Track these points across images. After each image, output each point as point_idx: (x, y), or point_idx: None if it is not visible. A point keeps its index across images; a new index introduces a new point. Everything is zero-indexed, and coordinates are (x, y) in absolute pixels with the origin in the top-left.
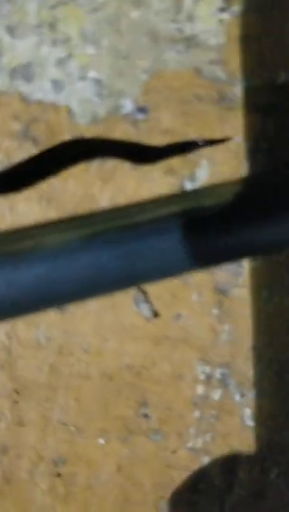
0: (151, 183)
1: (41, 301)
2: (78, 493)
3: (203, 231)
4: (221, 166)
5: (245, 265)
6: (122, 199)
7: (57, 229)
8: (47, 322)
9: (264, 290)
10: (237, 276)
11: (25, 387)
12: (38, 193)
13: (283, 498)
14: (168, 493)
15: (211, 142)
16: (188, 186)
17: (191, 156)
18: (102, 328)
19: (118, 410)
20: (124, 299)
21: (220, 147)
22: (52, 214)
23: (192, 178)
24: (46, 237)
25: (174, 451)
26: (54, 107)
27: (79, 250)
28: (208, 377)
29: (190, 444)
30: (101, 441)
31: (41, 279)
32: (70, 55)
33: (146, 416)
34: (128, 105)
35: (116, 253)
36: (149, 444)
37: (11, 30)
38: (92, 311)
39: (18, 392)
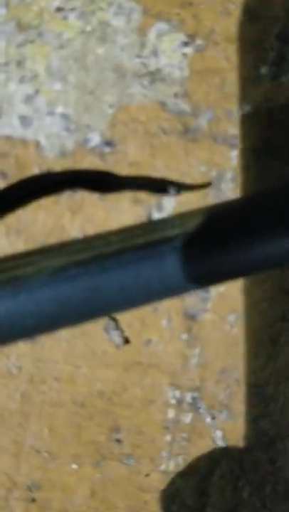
0: (119, 213)
1: (6, 336)
2: None
3: (170, 261)
4: (187, 196)
5: (213, 291)
6: (91, 229)
7: (22, 263)
8: (17, 352)
9: (231, 314)
10: (205, 302)
11: None
12: (6, 225)
13: None
14: None
15: (188, 187)
16: (156, 216)
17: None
18: (73, 355)
19: (91, 436)
20: (95, 327)
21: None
22: (21, 246)
23: (159, 207)
24: (11, 272)
25: (147, 475)
26: (23, 141)
27: (38, 286)
28: (179, 401)
29: (162, 467)
30: (74, 466)
31: (5, 314)
32: (37, 91)
33: (118, 441)
34: (95, 139)
35: (79, 287)
36: (122, 468)
37: None
38: (63, 339)
39: None
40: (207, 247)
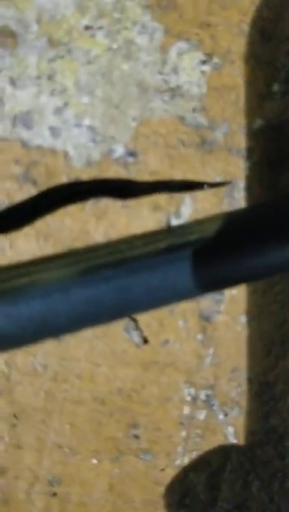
0: (140, 219)
1: (37, 335)
2: (72, 511)
3: (191, 264)
4: (202, 203)
5: (226, 293)
6: (115, 234)
7: (53, 265)
8: (43, 350)
9: (243, 316)
10: (219, 304)
11: (22, 411)
12: (35, 230)
13: (266, 510)
14: (157, 509)
15: (212, 185)
16: (174, 222)
17: (176, 195)
18: (95, 355)
19: (110, 432)
20: (116, 327)
21: None
22: (49, 250)
23: (177, 214)
24: (43, 273)
25: (162, 469)
26: (52, 151)
27: (73, 286)
28: (194, 399)
29: (178, 462)
30: (94, 461)
31: (37, 314)
32: (66, 104)
33: (136, 437)
34: (119, 150)
35: (109, 288)
36: (139, 463)
37: (12, 82)
38: (85, 339)
39: (16, 417)
40: (222, 252)
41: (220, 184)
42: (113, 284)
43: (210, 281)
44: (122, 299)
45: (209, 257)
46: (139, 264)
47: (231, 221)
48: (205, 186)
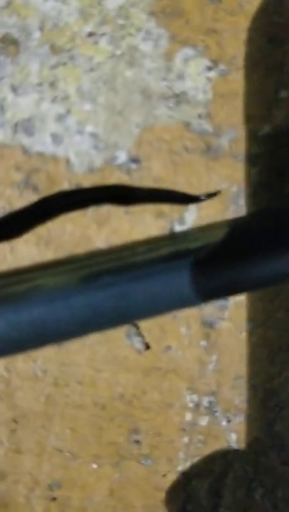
0: (143, 225)
1: (39, 340)
2: None
3: (193, 272)
4: (207, 210)
5: (230, 300)
6: (117, 240)
7: (54, 272)
8: (43, 356)
9: (248, 323)
10: (223, 310)
11: (22, 416)
12: (36, 235)
13: None
14: None
15: (209, 195)
16: (178, 228)
17: None
18: (96, 360)
19: (110, 437)
20: (117, 333)
21: (206, 191)
22: (50, 255)
23: (181, 221)
24: (44, 279)
25: (164, 475)
26: (53, 158)
27: (74, 293)
28: (196, 405)
29: (179, 468)
30: (94, 466)
31: (39, 320)
32: (68, 111)
33: (137, 442)
34: (122, 156)
35: (110, 295)
36: (140, 469)
37: (14, 89)
38: (87, 345)
39: (16, 421)
40: (225, 260)
41: (213, 194)
42: (114, 291)
43: (212, 290)
44: (122, 306)
45: (212, 265)
46: (140, 272)
47: (235, 229)
48: (202, 198)
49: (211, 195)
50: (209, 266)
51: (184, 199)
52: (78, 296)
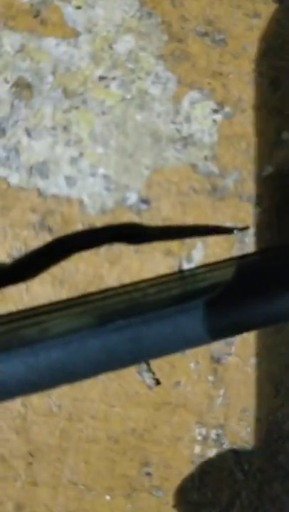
0: (153, 264)
1: (55, 382)
2: None
3: (204, 313)
4: (213, 248)
5: (237, 336)
6: (128, 279)
7: (69, 314)
8: (58, 392)
9: (253, 358)
10: (229, 346)
11: (38, 450)
12: (51, 275)
13: None
14: None
15: (241, 229)
16: (186, 266)
17: (187, 240)
18: (108, 395)
19: (123, 470)
20: (129, 369)
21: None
22: (64, 294)
23: (189, 259)
24: (61, 322)
25: (174, 506)
26: (68, 200)
27: (90, 336)
28: (205, 438)
29: (189, 498)
30: (107, 497)
31: (56, 362)
32: (81, 154)
33: (148, 474)
34: (133, 197)
35: (124, 337)
36: (152, 500)
37: (28, 132)
38: (99, 380)
39: (32, 455)
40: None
41: (243, 228)
42: (127, 333)
43: (222, 329)
44: (136, 348)
45: (221, 305)
46: (152, 314)
47: (242, 268)
48: (235, 231)
49: (243, 229)
50: (219, 306)
51: (216, 231)
52: (94, 339)
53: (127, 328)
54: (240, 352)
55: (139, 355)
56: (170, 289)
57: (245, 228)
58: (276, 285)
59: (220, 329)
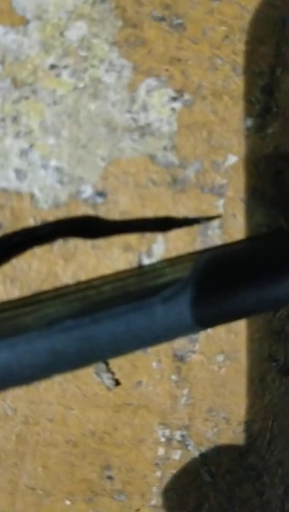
0: (110, 259)
1: (3, 384)
2: None
3: (161, 311)
4: (175, 242)
5: (201, 332)
6: (84, 276)
7: (18, 315)
8: (12, 394)
9: (218, 355)
10: (193, 343)
11: None
12: (1, 273)
13: None
14: None
15: (209, 218)
16: (146, 261)
17: (147, 234)
18: (66, 398)
19: (83, 474)
20: (86, 370)
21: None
22: (16, 293)
23: (149, 254)
24: (8, 323)
25: (137, 510)
26: (18, 194)
27: (37, 337)
28: (169, 439)
29: (153, 502)
30: (68, 502)
31: (2, 365)
32: (32, 146)
33: (110, 478)
34: (88, 190)
35: (72, 338)
36: (114, 504)
37: None
38: (56, 382)
39: None
40: (198, 295)
41: (213, 218)
42: (76, 334)
43: (184, 326)
44: (85, 349)
45: (181, 301)
46: (104, 313)
47: (202, 263)
48: (202, 220)
49: (211, 218)
50: (178, 302)
51: (183, 223)
52: (41, 340)
53: (75, 328)
54: (205, 349)
55: (90, 356)
56: (126, 285)
57: (216, 217)
58: (241, 279)
59: (179, 327)
